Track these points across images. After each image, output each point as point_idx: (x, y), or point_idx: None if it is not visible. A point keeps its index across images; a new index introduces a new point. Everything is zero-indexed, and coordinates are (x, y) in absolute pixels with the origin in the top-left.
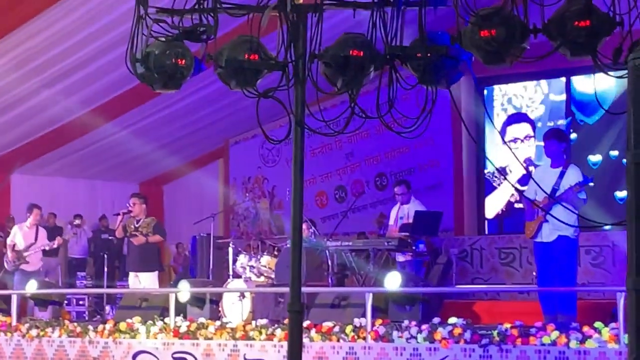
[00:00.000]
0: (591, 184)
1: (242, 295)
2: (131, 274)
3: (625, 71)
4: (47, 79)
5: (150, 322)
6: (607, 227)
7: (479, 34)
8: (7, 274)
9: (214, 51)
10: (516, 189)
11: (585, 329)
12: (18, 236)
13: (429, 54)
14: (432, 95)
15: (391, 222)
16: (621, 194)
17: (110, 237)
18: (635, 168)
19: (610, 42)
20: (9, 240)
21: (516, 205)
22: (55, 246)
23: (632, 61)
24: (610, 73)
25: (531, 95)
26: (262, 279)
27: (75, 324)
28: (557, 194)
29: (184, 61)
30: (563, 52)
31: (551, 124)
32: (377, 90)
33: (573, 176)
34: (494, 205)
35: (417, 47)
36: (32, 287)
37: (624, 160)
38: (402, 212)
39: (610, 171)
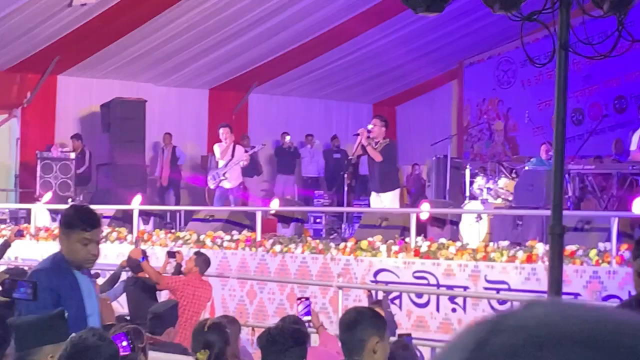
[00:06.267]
0: None
1: (479, 217)
2: (373, 194)
3: None
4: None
5: (391, 240)
6: None
7: None
8: (210, 192)
9: None
10: None
11: None
12: (217, 154)
13: None
14: None
15: (633, 147)
16: None
17: (340, 157)
18: None
19: None
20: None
21: None
22: (246, 163)
23: None
24: None
25: None
26: (499, 200)
27: (318, 240)
28: None
29: None
30: None
31: None
32: None
33: None
34: None
35: None
36: (275, 204)
37: None
38: None
39: None
